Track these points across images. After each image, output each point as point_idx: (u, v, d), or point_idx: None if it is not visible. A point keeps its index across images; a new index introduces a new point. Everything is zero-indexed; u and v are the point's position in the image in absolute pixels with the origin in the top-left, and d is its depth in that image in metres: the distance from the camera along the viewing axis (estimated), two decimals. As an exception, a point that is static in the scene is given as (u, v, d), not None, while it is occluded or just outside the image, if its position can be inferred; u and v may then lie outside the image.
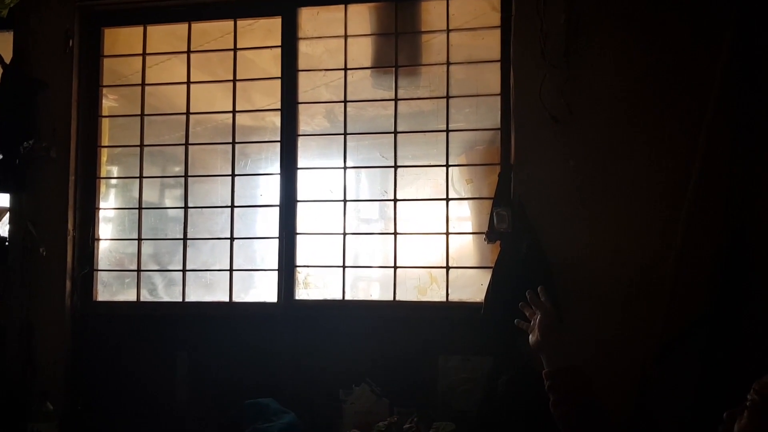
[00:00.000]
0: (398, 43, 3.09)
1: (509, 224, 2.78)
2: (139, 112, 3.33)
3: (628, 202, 2.69)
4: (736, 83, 2.51)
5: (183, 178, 3.26)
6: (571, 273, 2.71)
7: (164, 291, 3.29)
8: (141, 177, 3.30)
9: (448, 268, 3.00)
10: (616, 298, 2.67)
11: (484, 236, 2.86)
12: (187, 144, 3.26)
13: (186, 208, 3.24)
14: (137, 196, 3.30)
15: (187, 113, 3.26)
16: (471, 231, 3.04)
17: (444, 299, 2.99)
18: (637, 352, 2.54)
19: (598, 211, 2.71)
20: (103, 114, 3.36)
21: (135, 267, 3.27)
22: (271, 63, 3.23)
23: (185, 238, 3.23)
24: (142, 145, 3.31)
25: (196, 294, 3.22)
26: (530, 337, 2.00)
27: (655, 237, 2.62)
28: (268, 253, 3.15)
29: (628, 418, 2.50)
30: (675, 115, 2.65)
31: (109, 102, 3.42)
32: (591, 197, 2.73)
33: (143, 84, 3.33)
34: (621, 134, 2.71)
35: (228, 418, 2.63)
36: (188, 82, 3.28)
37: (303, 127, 3.20)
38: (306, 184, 3.15)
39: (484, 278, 2.86)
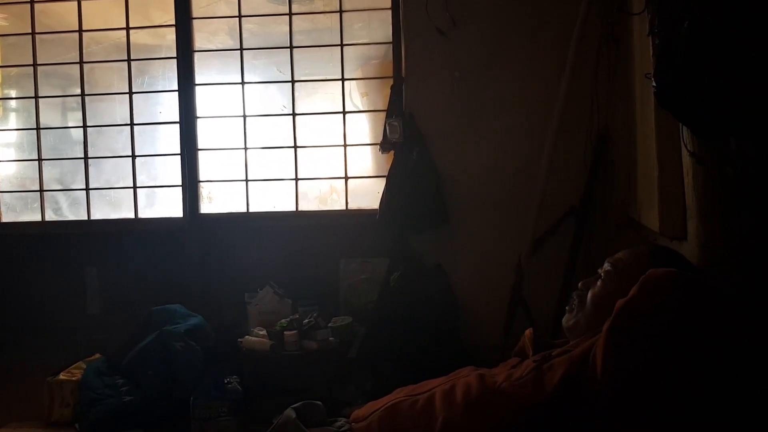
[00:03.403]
0: (291, -44, 3.13)
1: (400, 134, 2.95)
2: (30, 31, 3.26)
3: (507, 111, 2.89)
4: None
5: (80, 98, 3.25)
6: (457, 178, 2.93)
7: (69, 210, 3.33)
8: (36, 97, 3.27)
9: (346, 178, 3.16)
10: (496, 201, 2.90)
11: (378, 147, 3.03)
12: (81, 62, 3.24)
13: (84, 127, 3.25)
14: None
15: (80, 30, 3.23)
16: (367, 143, 3.19)
17: (344, 208, 3.17)
18: (514, 248, 2.79)
19: (480, 121, 2.91)
20: (-7, 33, 3.28)
21: (37, 188, 3.29)
22: (164, -23, 3.21)
23: (86, 157, 3.25)
24: (35, 65, 3.27)
25: (102, 212, 3.28)
26: None
27: (530, 144, 2.82)
28: (171, 170, 3.23)
29: (507, 305, 2.79)
30: (550, 29, 2.83)
31: (-2, 21, 3.34)
32: (474, 107, 2.91)
33: (32, 1, 3.25)
34: (501, 46, 2.88)
35: (137, 324, 2.76)
36: (79, -1, 3.23)
37: (205, 44, 3.23)
38: (208, 100, 3.21)
39: (380, 187, 3.04)
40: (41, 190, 3.28)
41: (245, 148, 3.19)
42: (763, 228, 1.38)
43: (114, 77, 3.31)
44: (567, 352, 1.58)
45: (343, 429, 1.69)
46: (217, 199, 3.23)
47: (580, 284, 1.77)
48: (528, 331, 1.88)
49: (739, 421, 1.33)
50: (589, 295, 1.71)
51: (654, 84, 1.54)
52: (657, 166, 1.95)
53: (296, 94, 3.17)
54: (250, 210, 3.20)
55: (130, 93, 3.22)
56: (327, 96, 3.21)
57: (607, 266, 1.73)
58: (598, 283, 1.71)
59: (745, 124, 1.37)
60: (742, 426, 1.33)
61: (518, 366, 1.65)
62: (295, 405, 1.73)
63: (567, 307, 1.78)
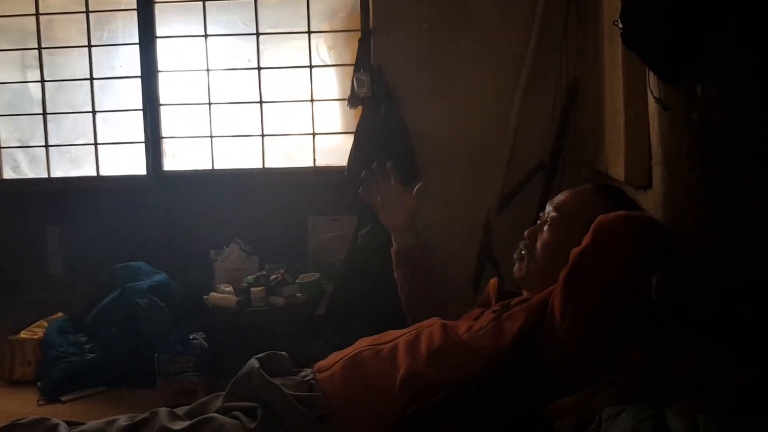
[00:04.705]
0: None
1: (369, 89, 2.89)
2: (-20, -20, 3.13)
3: (477, 65, 2.83)
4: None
5: (37, 51, 3.13)
6: (426, 134, 2.87)
7: (28, 168, 3.24)
8: (-10, 51, 3.15)
9: (314, 134, 3.11)
10: (465, 156, 2.86)
11: (346, 102, 2.97)
12: (37, 14, 3.12)
13: (42, 81, 3.14)
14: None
15: (35, -19, 3.10)
16: (335, 98, 3.13)
17: (311, 165, 3.12)
18: (484, 204, 2.78)
19: (450, 74, 2.86)
20: (-59, -17, 3.13)
21: (-7, 145, 3.19)
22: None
23: (45, 113, 3.16)
24: (-13, 17, 3.14)
25: (62, 169, 3.20)
26: (382, 213, 2.24)
27: (501, 99, 2.77)
28: (134, 126, 3.14)
29: (476, 260, 2.79)
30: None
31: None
32: (444, 60, 2.85)
33: (-18, -51, 3.11)
34: (471, -1, 2.83)
35: (100, 282, 2.71)
36: (32, -53, 3.09)
37: (167, -2, 3.13)
38: (171, 54, 3.11)
39: (348, 143, 2.99)
40: (-2, 147, 3.19)
41: (209, 104, 3.11)
42: (726, 173, 1.37)
43: (72, 31, 3.19)
44: (526, 301, 1.58)
45: (306, 379, 1.68)
46: (182, 156, 3.16)
47: (526, 233, 1.77)
48: (493, 281, 1.88)
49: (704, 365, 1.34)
50: (538, 243, 1.71)
51: (620, 26, 1.51)
52: (624, 113, 1.93)
53: (261, 47, 3.09)
54: (216, 167, 3.14)
55: (89, 46, 3.11)
56: (294, 50, 3.13)
57: (550, 211, 1.72)
58: (545, 229, 1.71)
59: (710, 67, 1.36)
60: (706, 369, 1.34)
61: (480, 317, 1.65)
62: (259, 355, 1.72)
63: (515, 256, 1.78)
